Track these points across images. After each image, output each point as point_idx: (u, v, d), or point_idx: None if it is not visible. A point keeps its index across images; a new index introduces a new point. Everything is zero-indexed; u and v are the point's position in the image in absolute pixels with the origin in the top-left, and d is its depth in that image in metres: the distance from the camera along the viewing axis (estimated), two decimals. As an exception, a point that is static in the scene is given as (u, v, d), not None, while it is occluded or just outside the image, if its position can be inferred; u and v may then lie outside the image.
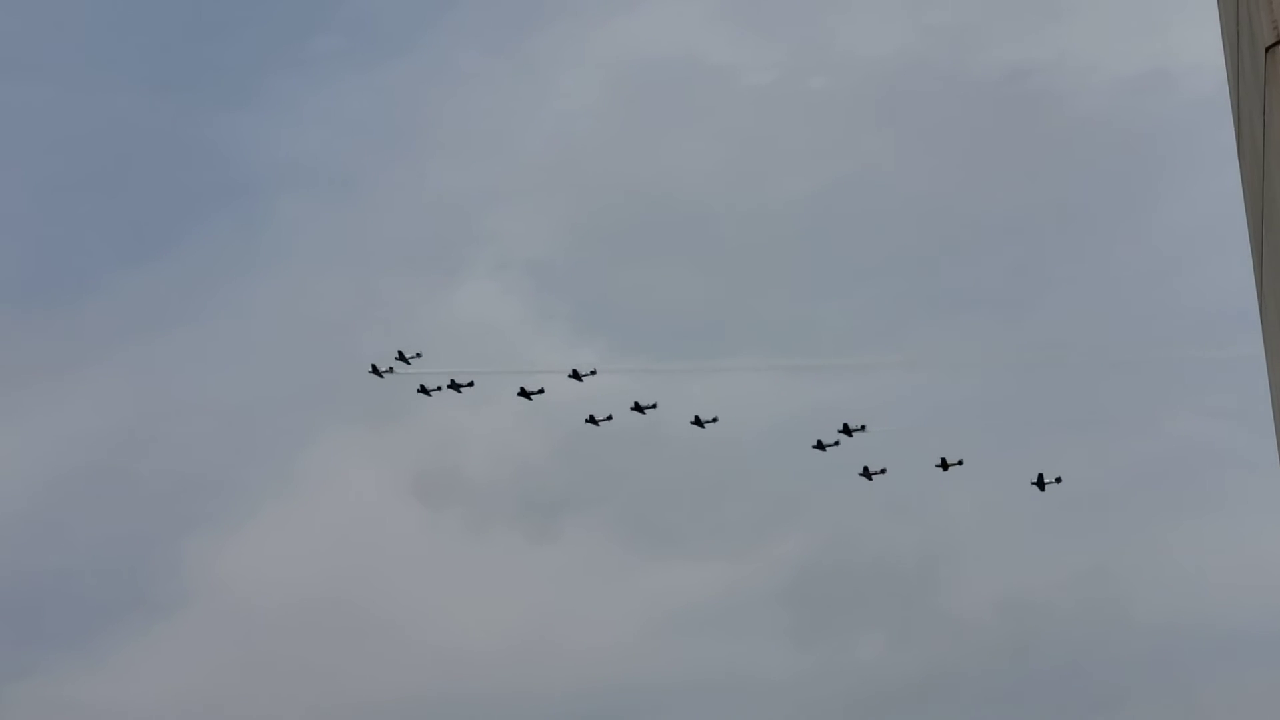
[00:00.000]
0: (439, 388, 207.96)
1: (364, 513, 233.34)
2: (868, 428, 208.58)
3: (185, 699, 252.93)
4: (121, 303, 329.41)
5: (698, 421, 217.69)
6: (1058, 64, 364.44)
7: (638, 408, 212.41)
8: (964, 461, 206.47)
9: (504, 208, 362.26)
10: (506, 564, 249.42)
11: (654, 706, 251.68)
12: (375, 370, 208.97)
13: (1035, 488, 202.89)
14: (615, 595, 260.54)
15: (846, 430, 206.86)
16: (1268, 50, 26.95)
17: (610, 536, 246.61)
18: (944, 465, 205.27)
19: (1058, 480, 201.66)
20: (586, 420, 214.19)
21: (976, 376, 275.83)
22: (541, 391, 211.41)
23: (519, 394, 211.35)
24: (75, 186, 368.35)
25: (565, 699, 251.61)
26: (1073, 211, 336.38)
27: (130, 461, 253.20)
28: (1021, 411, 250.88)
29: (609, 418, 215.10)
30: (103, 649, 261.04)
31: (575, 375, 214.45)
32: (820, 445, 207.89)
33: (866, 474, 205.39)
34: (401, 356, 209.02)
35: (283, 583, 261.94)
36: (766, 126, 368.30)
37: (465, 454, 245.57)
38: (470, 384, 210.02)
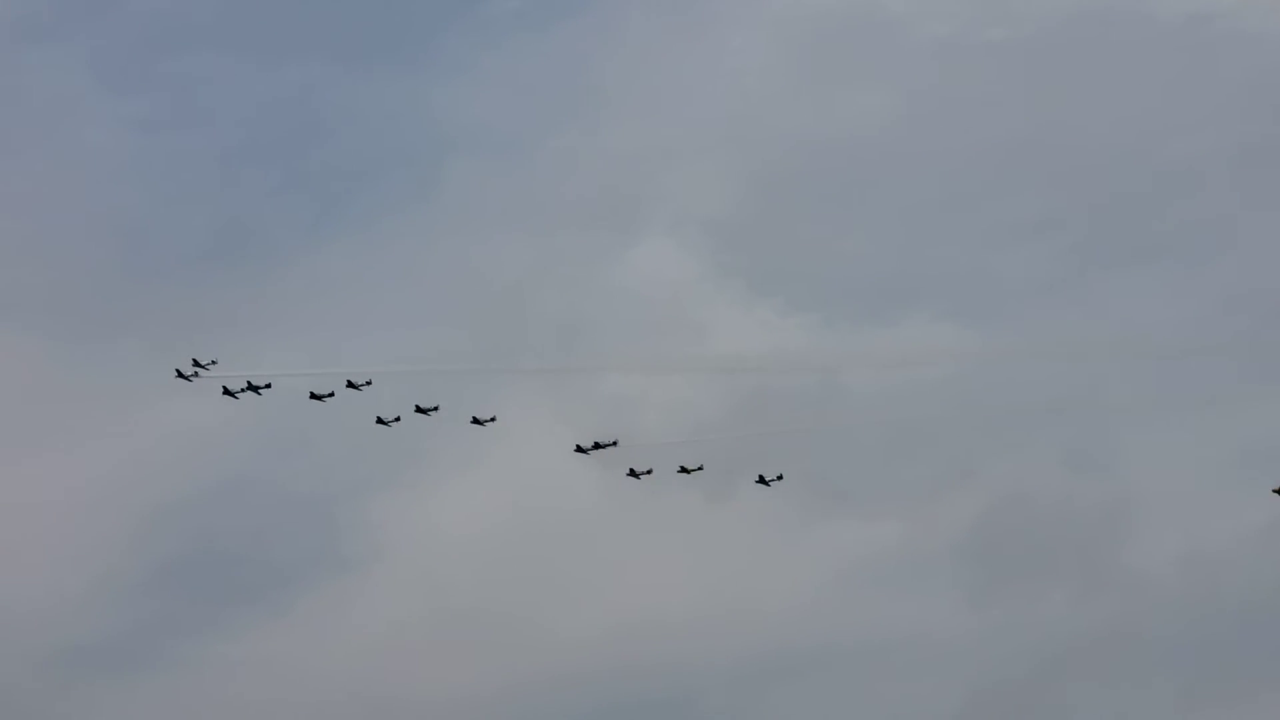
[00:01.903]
0: (243, 389, 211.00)
1: (545, 475, 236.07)
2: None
3: (375, 656, 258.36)
4: (302, 269, 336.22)
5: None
6: (1241, 7, 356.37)
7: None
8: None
9: (679, 166, 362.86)
10: (684, 525, 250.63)
11: (831, 667, 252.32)
12: (180, 374, 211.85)
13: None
14: (792, 555, 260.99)
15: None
16: None
17: (787, 496, 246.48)
18: None
19: None
20: (376, 421, 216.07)
21: (1158, 326, 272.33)
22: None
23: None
24: (256, 155, 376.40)
25: (741, 660, 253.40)
26: (1258, 159, 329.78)
27: (316, 421, 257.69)
28: (1204, 364, 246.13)
29: (397, 419, 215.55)
30: (293, 607, 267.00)
31: (352, 385, 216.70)
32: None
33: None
34: (197, 363, 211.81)
35: (468, 542, 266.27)
36: (944, 78, 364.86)
37: (642, 416, 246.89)
38: (268, 385, 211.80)
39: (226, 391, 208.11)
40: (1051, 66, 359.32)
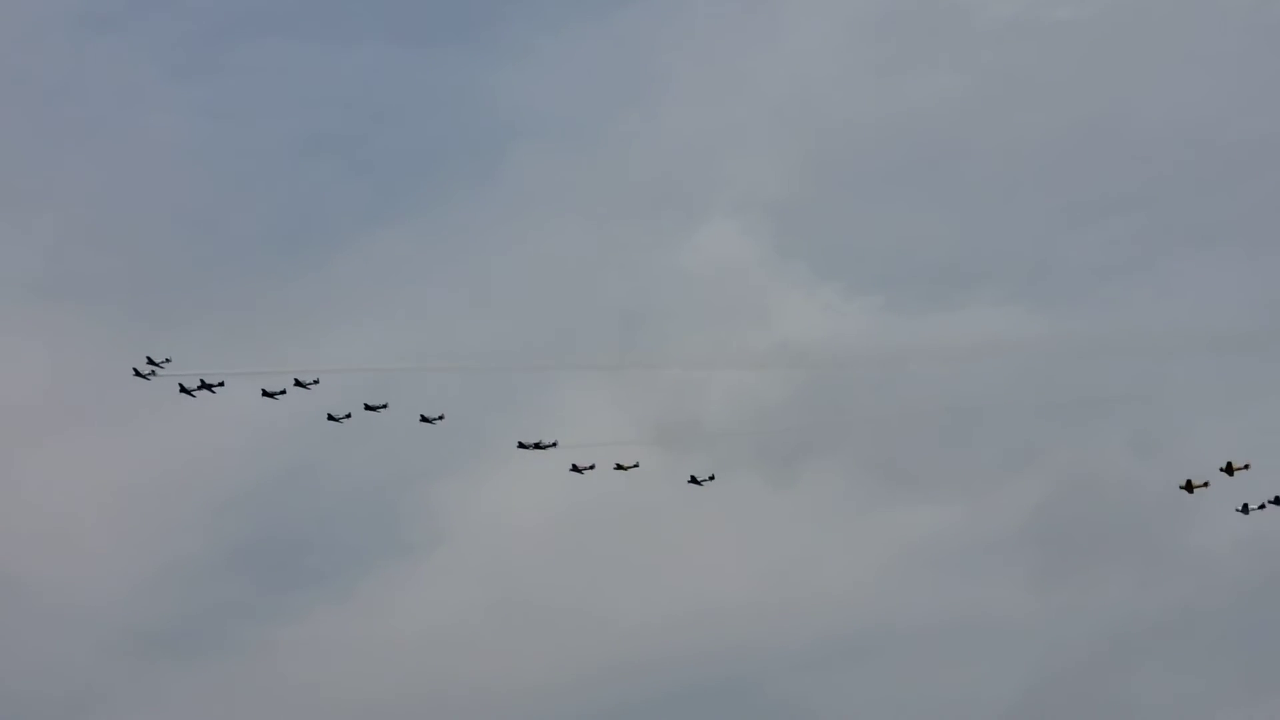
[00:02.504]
0: (197, 387, 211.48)
1: (608, 459, 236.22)
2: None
3: (436, 641, 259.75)
4: (364, 256, 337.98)
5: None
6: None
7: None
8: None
9: (741, 149, 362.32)
10: (746, 510, 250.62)
11: (893, 651, 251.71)
12: (138, 373, 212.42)
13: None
14: (854, 539, 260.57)
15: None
16: None
17: (851, 478, 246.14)
18: None
19: None
20: (328, 418, 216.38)
21: (1226, 310, 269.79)
22: None
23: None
24: (319, 142, 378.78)
25: (804, 645, 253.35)
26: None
27: (382, 409, 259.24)
28: (1272, 347, 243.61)
29: (348, 415, 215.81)
30: (356, 592, 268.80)
31: (299, 384, 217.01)
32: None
33: None
34: (151, 361, 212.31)
35: (531, 526, 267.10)
36: (1009, 59, 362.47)
37: (705, 401, 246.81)
38: (221, 384, 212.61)
39: (183, 389, 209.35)
40: (1119, 46, 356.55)
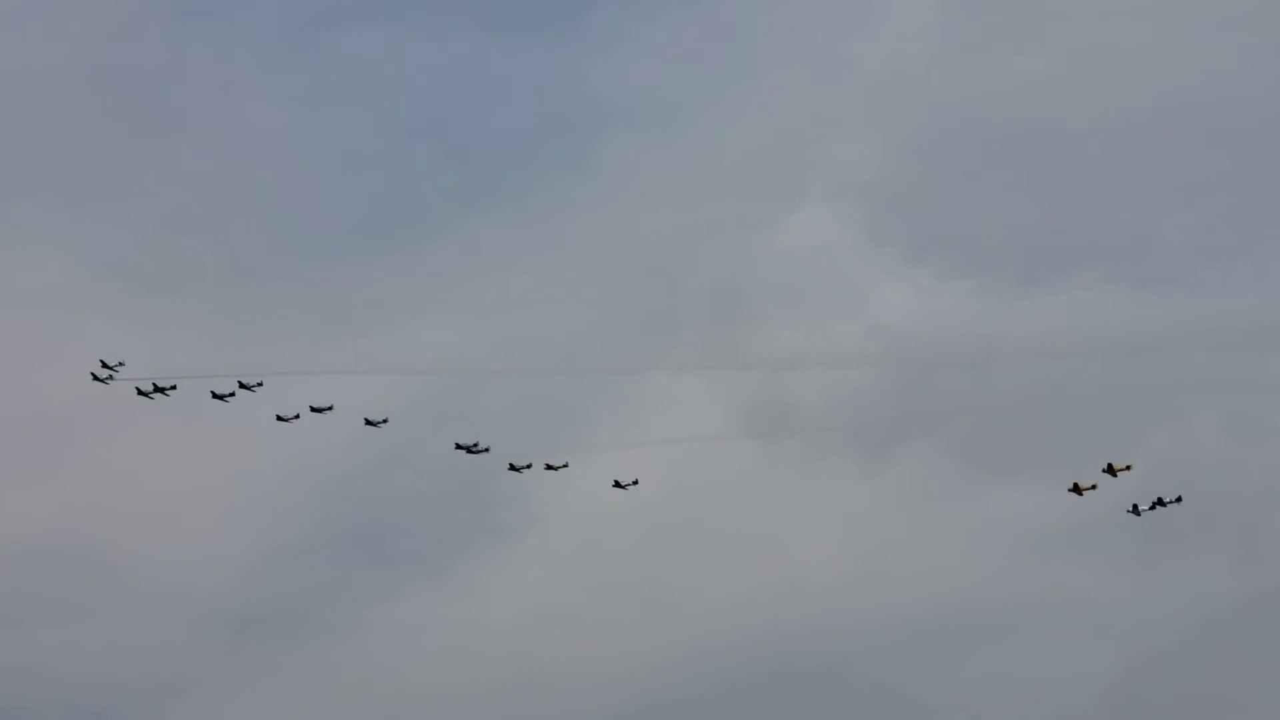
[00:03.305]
0: (152, 390, 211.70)
1: (695, 444, 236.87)
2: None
3: (535, 622, 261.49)
4: (461, 244, 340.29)
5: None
6: None
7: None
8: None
9: (834, 132, 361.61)
10: (838, 494, 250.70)
11: (987, 632, 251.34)
12: (95, 377, 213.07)
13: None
14: (947, 522, 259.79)
15: None
16: None
17: (944, 462, 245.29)
18: None
19: None
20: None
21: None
22: None
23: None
24: (414, 128, 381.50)
25: (897, 626, 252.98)
26: None
27: (475, 394, 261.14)
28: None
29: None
30: (456, 574, 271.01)
31: (244, 385, 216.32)
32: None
33: None
34: (105, 364, 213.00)
35: (624, 509, 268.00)
36: (1106, 36, 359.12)
37: (797, 386, 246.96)
38: (173, 387, 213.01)
39: (140, 392, 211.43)
40: (1220, 21, 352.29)
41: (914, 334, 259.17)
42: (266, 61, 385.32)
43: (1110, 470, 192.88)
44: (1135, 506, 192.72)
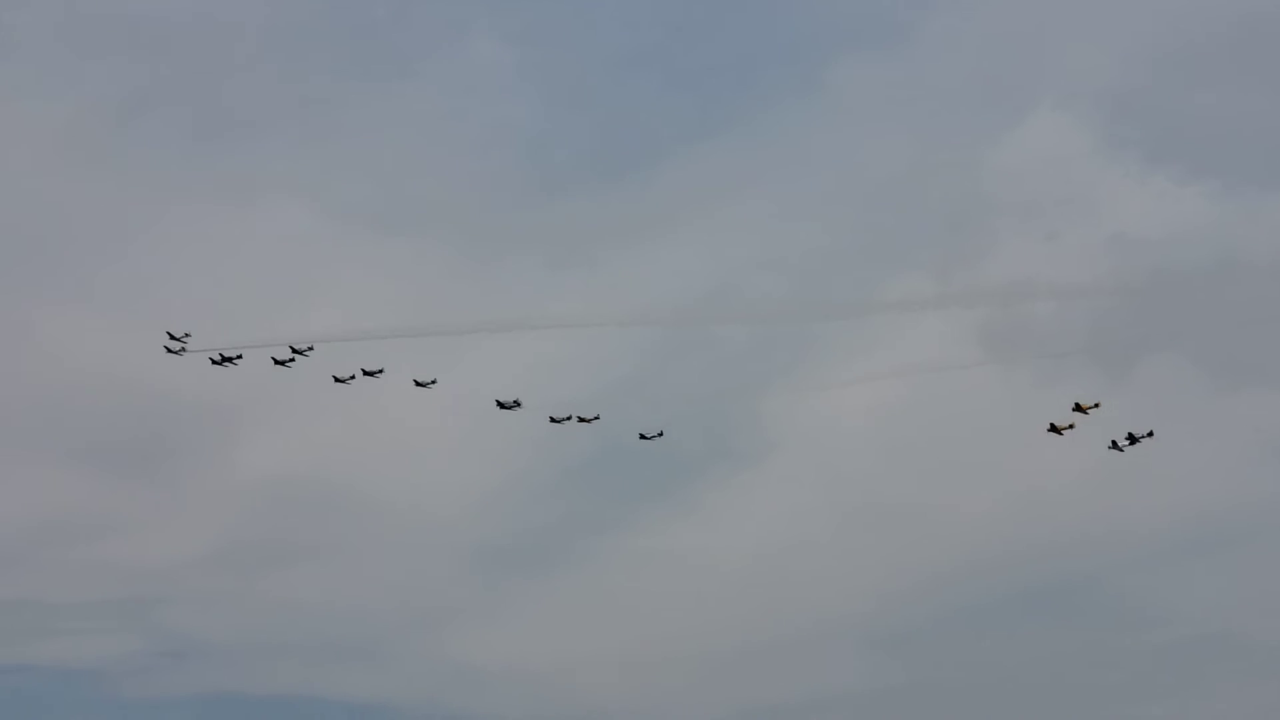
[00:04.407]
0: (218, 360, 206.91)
1: (933, 363, 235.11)
2: None
3: (783, 545, 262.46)
4: (691, 170, 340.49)
5: None
6: None
7: None
8: None
9: (1065, 38, 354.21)
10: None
11: (1241, 539, 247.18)
12: (169, 350, 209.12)
13: None
14: (1195, 431, 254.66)
15: None
16: None
17: (1187, 371, 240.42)
18: None
19: None
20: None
21: None
22: None
23: None
24: (638, 57, 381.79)
25: (1150, 537, 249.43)
26: None
27: (708, 321, 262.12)
28: None
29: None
30: (694, 500, 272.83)
31: (296, 350, 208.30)
32: None
33: None
34: (173, 335, 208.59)
35: (856, 434, 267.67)
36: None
37: (1037, 297, 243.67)
38: (239, 356, 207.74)
39: (214, 361, 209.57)
40: None
41: (1154, 241, 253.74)
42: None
43: (1079, 409, 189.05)
44: (1114, 442, 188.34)
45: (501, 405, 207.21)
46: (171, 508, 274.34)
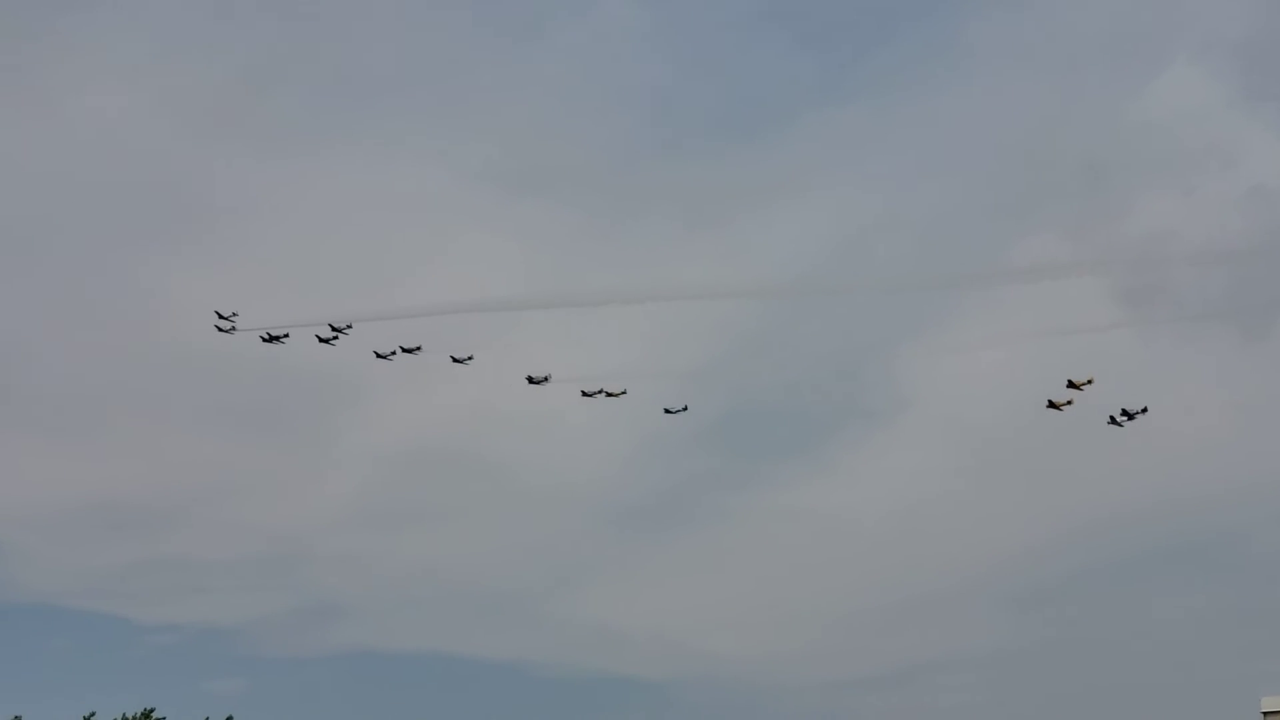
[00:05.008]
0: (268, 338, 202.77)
1: (1069, 319, 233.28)
2: None
3: (906, 505, 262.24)
4: (817, 131, 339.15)
5: None
6: None
7: None
8: None
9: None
10: (1221, 360, 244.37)
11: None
12: (219, 329, 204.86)
13: None
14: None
15: None
16: None
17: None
18: None
19: None
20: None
21: None
22: None
23: None
24: (771, 16, 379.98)
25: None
26: None
27: (843, 278, 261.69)
28: None
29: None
30: (827, 458, 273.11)
31: (334, 329, 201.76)
32: None
33: None
34: (221, 315, 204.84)
35: (990, 394, 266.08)
36: None
37: (1172, 252, 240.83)
38: (286, 335, 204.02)
39: (264, 339, 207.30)
40: None
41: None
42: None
43: (1073, 385, 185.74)
44: (1112, 417, 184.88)
45: (532, 380, 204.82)
46: (313, 470, 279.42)
